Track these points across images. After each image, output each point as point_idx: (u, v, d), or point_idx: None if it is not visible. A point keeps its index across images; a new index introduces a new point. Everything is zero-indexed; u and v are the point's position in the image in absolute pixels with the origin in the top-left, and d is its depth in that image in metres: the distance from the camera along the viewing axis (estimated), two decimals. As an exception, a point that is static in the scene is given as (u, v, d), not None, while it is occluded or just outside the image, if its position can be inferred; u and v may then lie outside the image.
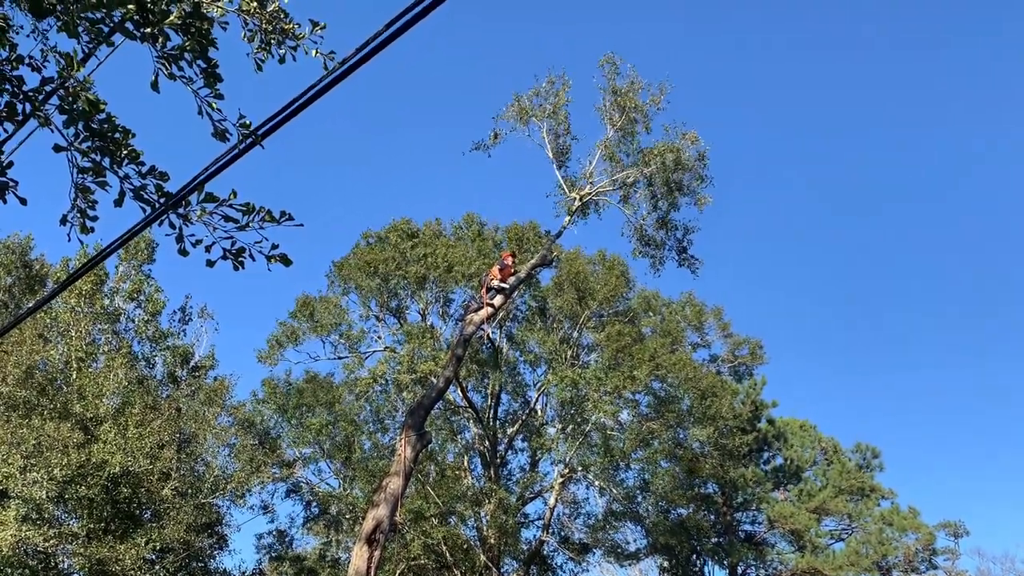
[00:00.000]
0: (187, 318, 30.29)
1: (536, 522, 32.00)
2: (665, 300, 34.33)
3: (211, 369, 30.34)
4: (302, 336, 31.30)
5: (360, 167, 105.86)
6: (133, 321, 28.31)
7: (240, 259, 5.36)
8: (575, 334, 30.72)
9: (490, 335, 30.43)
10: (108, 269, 28.07)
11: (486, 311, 17.45)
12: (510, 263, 18.27)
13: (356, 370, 30.80)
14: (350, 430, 30.18)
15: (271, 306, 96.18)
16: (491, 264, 23.05)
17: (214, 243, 5.29)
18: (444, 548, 28.56)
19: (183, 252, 5.23)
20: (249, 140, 4.90)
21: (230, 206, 5.10)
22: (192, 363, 29.91)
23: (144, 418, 23.70)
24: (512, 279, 18.33)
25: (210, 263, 5.34)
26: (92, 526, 22.43)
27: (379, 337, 32.03)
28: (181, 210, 5.08)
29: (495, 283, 17.69)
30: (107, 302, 27.19)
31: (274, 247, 5.37)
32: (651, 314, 33.02)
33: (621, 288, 30.70)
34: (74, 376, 24.89)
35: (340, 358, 31.58)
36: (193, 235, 5.23)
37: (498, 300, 17.92)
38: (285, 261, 5.41)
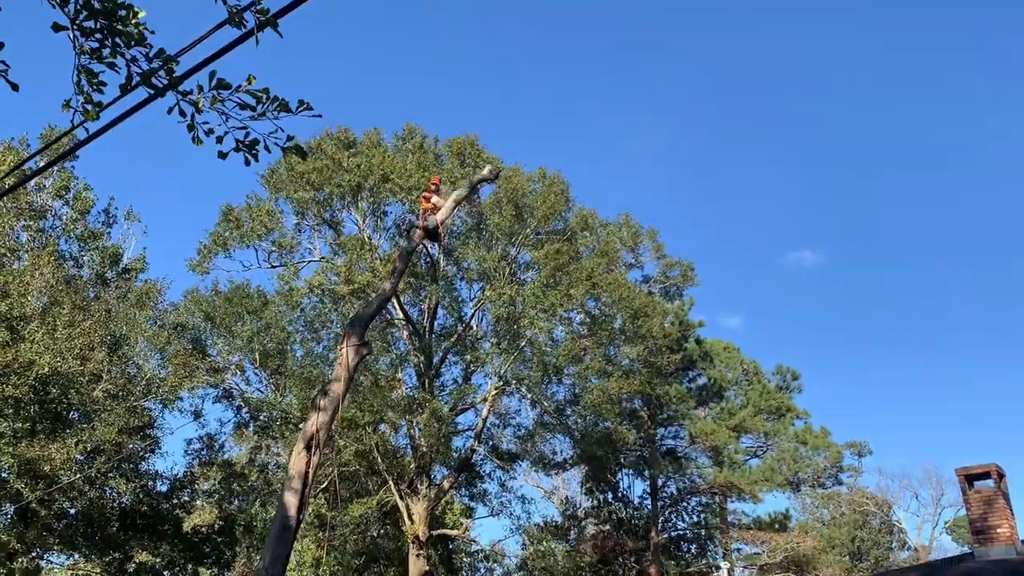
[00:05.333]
0: (111, 220, 29.38)
1: (467, 432, 32.66)
2: (602, 220, 34.60)
3: (141, 272, 29.74)
4: (233, 244, 30.41)
5: (313, 65, 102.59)
6: (60, 219, 27.39)
7: (254, 151, 5.13)
8: (513, 251, 30.78)
9: (429, 250, 30.35)
10: (29, 165, 26.85)
11: (423, 230, 17.36)
12: (433, 192, 18.00)
13: (291, 280, 30.40)
14: (282, 337, 30.01)
15: (208, 214, 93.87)
16: (431, 177, 22.75)
17: (227, 132, 5.05)
18: (376, 454, 29.03)
19: (196, 140, 4.99)
20: (262, 24, 4.63)
21: (246, 91, 4.85)
22: (122, 265, 29.21)
23: (73, 319, 23.20)
24: (449, 202, 18.08)
25: (222, 155, 5.11)
26: (20, 425, 22.12)
27: (314, 248, 31.64)
28: (192, 96, 4.81)
29: (428, 222, 17.41)
30: (32, 198, 26.20)
31: (290, 138, 5.14)
32: (588, 233, 33.22)
33: (560, 206, 30.66)
34: (-3, 274, 24.11)
35: (273, 267, 31.07)
36: (207, 123, 4.97)
37: (441, 215, 17.82)
38: (301, 153, 5.19)
